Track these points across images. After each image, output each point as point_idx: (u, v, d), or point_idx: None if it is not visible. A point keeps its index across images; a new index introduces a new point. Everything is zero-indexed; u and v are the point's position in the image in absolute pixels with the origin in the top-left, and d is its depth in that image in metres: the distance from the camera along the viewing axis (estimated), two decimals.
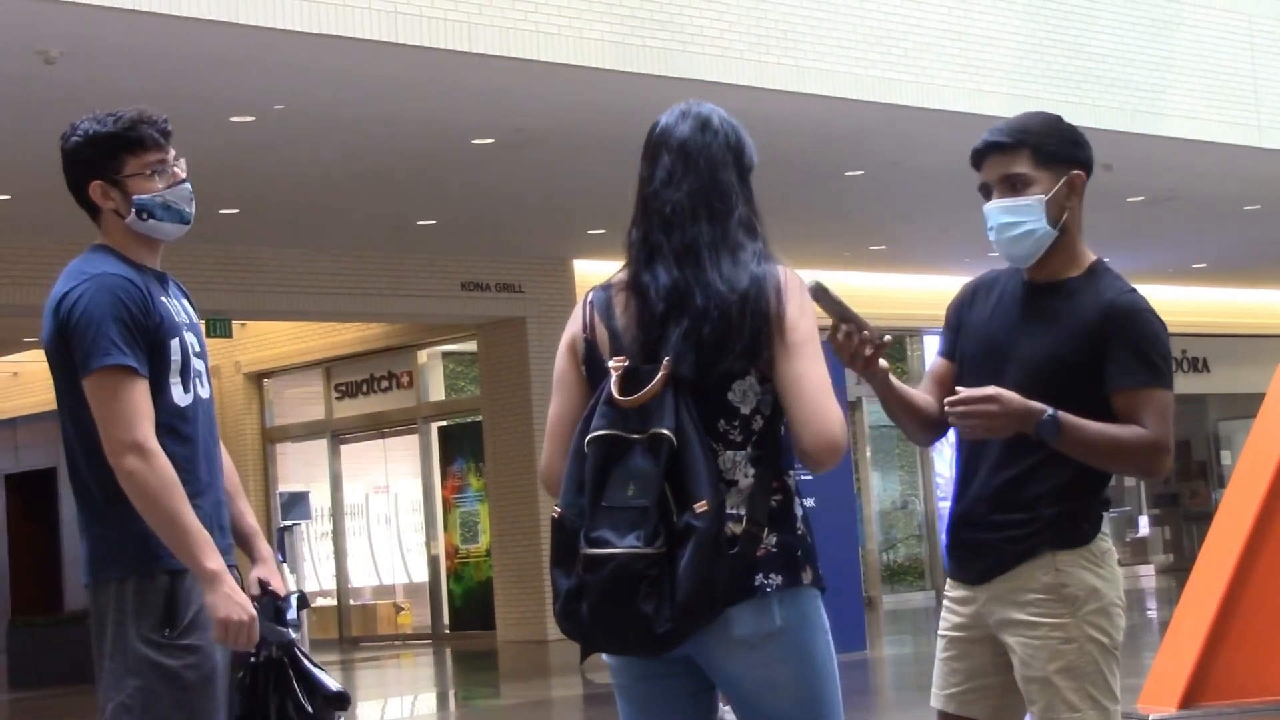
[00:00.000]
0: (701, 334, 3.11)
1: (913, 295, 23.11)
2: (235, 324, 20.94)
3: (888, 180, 16.91)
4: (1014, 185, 4.11)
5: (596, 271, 19.95)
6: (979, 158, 4.17)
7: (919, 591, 23.33)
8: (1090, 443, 3.92)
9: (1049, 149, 4.19)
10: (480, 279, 19.17)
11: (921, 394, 4.24)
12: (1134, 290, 4.11)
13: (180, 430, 3.90)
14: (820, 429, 3.09)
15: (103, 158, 3.95)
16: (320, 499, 23.22)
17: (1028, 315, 4.16)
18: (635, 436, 3.03)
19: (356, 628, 23.01)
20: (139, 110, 4.01)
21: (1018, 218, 4.10)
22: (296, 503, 23.03)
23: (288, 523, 22.68)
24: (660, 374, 3.05)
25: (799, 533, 3.17)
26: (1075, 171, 4.19)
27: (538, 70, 12.03)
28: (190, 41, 10.77)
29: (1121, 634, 4.07)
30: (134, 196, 3.95)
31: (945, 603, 4.28)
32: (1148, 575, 25.35)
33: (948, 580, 4.28)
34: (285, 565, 22.48)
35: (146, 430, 3.78)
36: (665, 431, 3.00)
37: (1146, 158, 16.89)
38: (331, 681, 4.08)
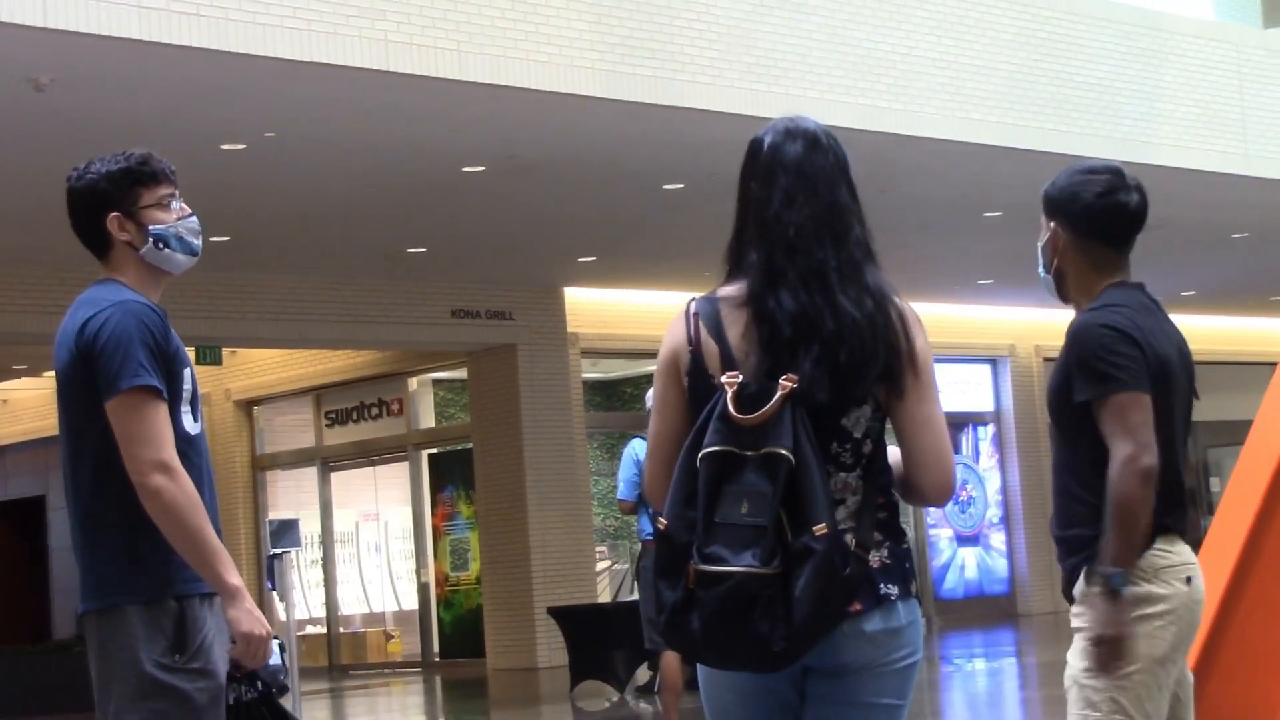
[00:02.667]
0: (837, 359, 3.12)
1: None
2: (225, 351, 20.94)
3: (878, 206, 16.84)
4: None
5: (587, 299, 20.04)
6: None
7: None
8: (1120, 537, 4.10)
9: (1050, 204, 4.57)
10: (471, 306, 19.17)
11: None
12: (1101, 308, 4.36)
13: (191, 458, 3.97)
14: (941, 475, 3.21)
15: (119, 191, 4.06)
16: (310, 526, 23.16)
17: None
18: (749, 454, 3.02)
19: (346, 656, 22.95)
20: (146, 150, 4.14)
21: (1038, 261, 4.61)
22: (286, 530, 22.93)
23: (277, 550, 22.63)
24: (780, 393, 3.05)
25: (905, 546, 3.26)
26: (1053, 225, 4.54)
27: (528, 98, 12.04)
28: (181, 69, 10.77)
29: (1163, 649, 4.19)
30: (149, 227, 4.06)
31: None
32: None
33: None
34: (275, 593, 22.48)
35: (171, 450, 3.87)
36: (784, 451, 3.01)
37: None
38: None
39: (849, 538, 3.13)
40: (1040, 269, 4.60)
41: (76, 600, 4.06)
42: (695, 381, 3.18)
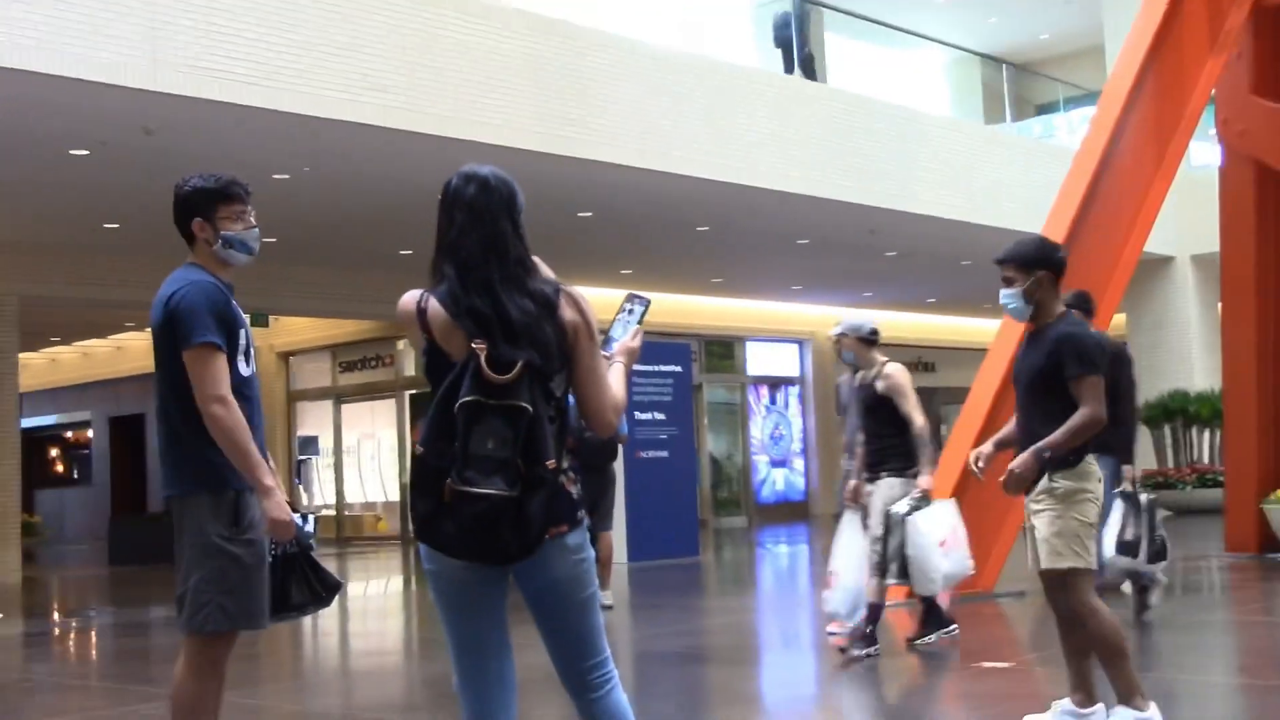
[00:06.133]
0: (521, 343, 2.90)
1: (739, 313, 23.29)
2: (271, 318, 20.85)
3: (725, 234, 17.02)
4: (1008, 282, 4.88)
5: None
6: (998, 263, 4.94)
7: (737, 517, 23.49)
8: (1066, 442, 4.63)
9: (1032, 261, 4.86)
10: None
11: (1011, 425, 5.05)
12: (1078, 325, 4.89)
13: (244, 392, 3.93)
14: (603, 413, 3.01)
15: (205, 203, 4.02)
16: (326, 442, 23.06)
17: (1027, 348, 4.94)
18: (493, 404, 2.81)
19: (349, 530, 22.84)
20: (232, 175, 4.11)
21: (1007, 301, 4.88)
22: (310, 444, 22.89)
23: (304, 457, 22.52)
24: (521, 364, 2.84)
25: (580, 485, 3.03)
26: (1041, 272, 4.84)
27: (487, 149, 12.01)
28: (253, 122, 10.67)
29: (1090, 516, 4.74)
30: (223, 232, 4.02)
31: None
32: None
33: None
34: (301, 485, 22.35)
35: (227, 388, 3.82)
36: (524, 404, 2.81)
37: (899, 227, 17.14)
38: (331, 575, 4.19)
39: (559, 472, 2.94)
40: (1017, 303, 4.86)
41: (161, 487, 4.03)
42: (430, 350, 2.97)
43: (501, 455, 2.78)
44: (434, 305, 2.97)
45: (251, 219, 4.10)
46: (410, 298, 3.01)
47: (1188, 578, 10.62)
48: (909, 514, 7.08)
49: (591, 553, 3.02)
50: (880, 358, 7.41)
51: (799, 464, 25.00)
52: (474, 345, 2.87)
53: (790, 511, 24.31)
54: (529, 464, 2.80)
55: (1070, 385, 4.67)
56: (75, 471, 30.73)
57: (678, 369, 15.36)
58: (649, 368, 14.91)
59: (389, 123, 11.24)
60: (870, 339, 7.43)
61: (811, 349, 24.92)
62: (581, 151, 12.67)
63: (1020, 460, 4.67)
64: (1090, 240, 10.29)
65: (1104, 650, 4.68)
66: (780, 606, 11.22)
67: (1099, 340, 4.86)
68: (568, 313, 2.97)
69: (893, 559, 7.16)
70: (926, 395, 27.44)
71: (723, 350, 23.90)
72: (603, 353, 3.11)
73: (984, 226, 17.35)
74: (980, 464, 4.99)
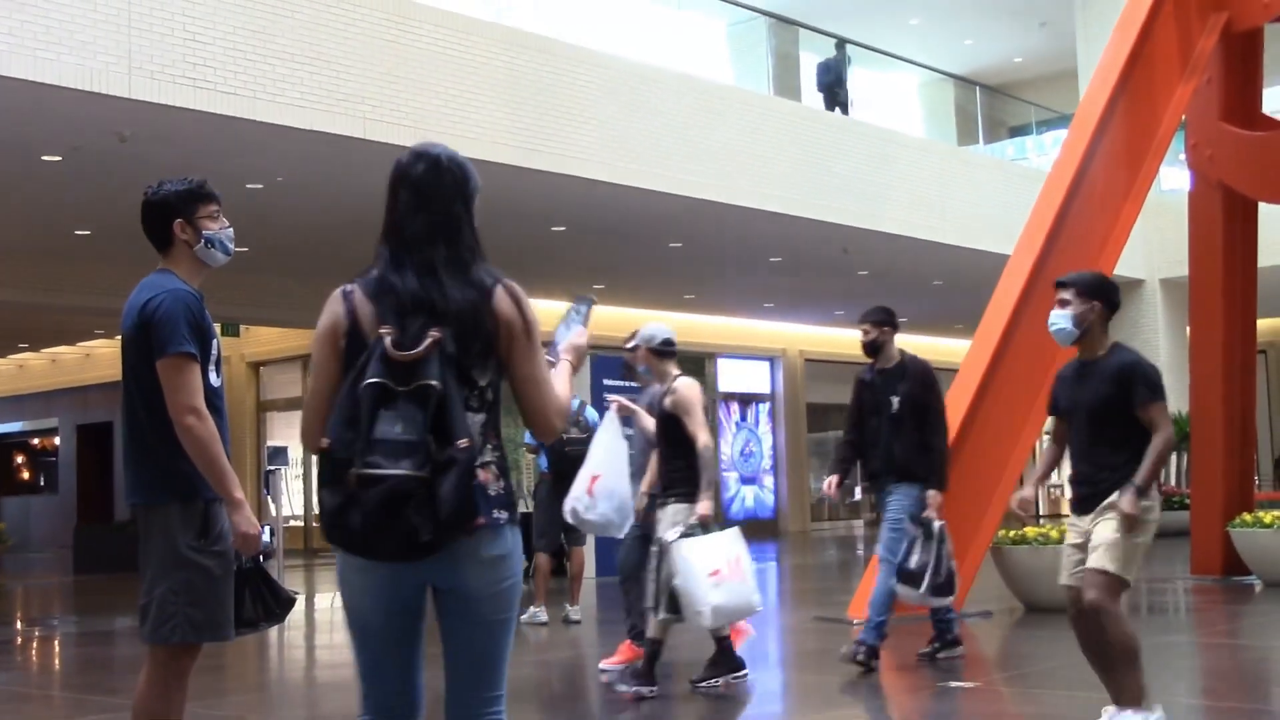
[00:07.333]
0: (445, 327, 2.75)
1: (711, 329, 23.32)
2: (242, 327, 20.74)
3: (697, 250, 17.05)
4: (1063, 304, 5.19)
5: None
6: (1059, 285, 5.25)
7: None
8: (1156, 469, 5.02)
9: (1090, 290, 5.18)
10: None
11: (1051, 457, 5.42)
12: (1137, 353, 5.22)
13: (213, 402, 3.89)
14: (544, 420, 2.86)
15: (184, 204, 4.00)
16: (295, 452, 22.91)
17: (1080, 379, 5.21)
18: (402, 389, 2.63)
19: (317, 541, 22.68)
20: (203, 177, 4.10)
21: (1057, 321, 5.18)
22: (279, 454, 22.66)
23: (272, 467, 22.36)
24: (429, 340, 2.68)
25: (510, 483, 2.86)
26: (1098, 303, 5.17)
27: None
28: (225, 129, 10.64)
29: (1150, 535, 5.06)
30: (204, 232, 4.01)
31: (1069, 525, 5.28)
32: (859, 525, 25.75)
33: (1071, 514, 5.25)
34: (269, 496, 22.19)
35: (201, 399, 3.79)
36: (434, 383, 2.63)
37: (871, 246, 17.21)
38: (285, 591, 4.15)
39: (479, 463, 2.73)
40: (1067, 325, 5.16)
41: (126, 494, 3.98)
42: (351, 341, 2.79)
43: (410, 438, 2.59)
44: (359, 293, 2.85)
45: (225, 220, 4.09)
46: (336, 291, 2.89)
47: (1153, 599, 10.68)
48: (677, 541, 6.44)
49: (517, 575, 2.82)
50: (674, 371, 6.93)
51: (769, 481, 25.02)
52: (381, 330, 2.73)
53: (759, 529, 24.30)
54: (440, 445, 2.61)
55: (1139, 411, 5.02)
56: (41, 479, 30.50)
57: None
58: (620, 383, 14.91)
59: (363, 134, 11.21)
60: (664, 350, 6.96)
61: (782, 366, 24.96)
62: (555, 166, 12.68)
63: (1128, 501, 4.95)
64: (1061, 262, 10.36)
65: (1119, 653, 5.01)
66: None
67: (1156, 368, 5.21)
68: (503, 306, 2.82)
69: (663, 590, 6.59)
70: None
71: (693, 366, 23.92)
72: (548, 357, 3.00)
73: (955, 247, 17.45)
74: (1031, 510, 5.41)
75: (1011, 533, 10.00)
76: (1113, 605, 4.99)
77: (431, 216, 2.86)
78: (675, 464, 6.75)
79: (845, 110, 18.29)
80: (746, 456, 24.65)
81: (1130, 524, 4.94)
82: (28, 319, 19.50)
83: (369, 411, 2.62)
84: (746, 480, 24.62)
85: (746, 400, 24.71)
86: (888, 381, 7.47)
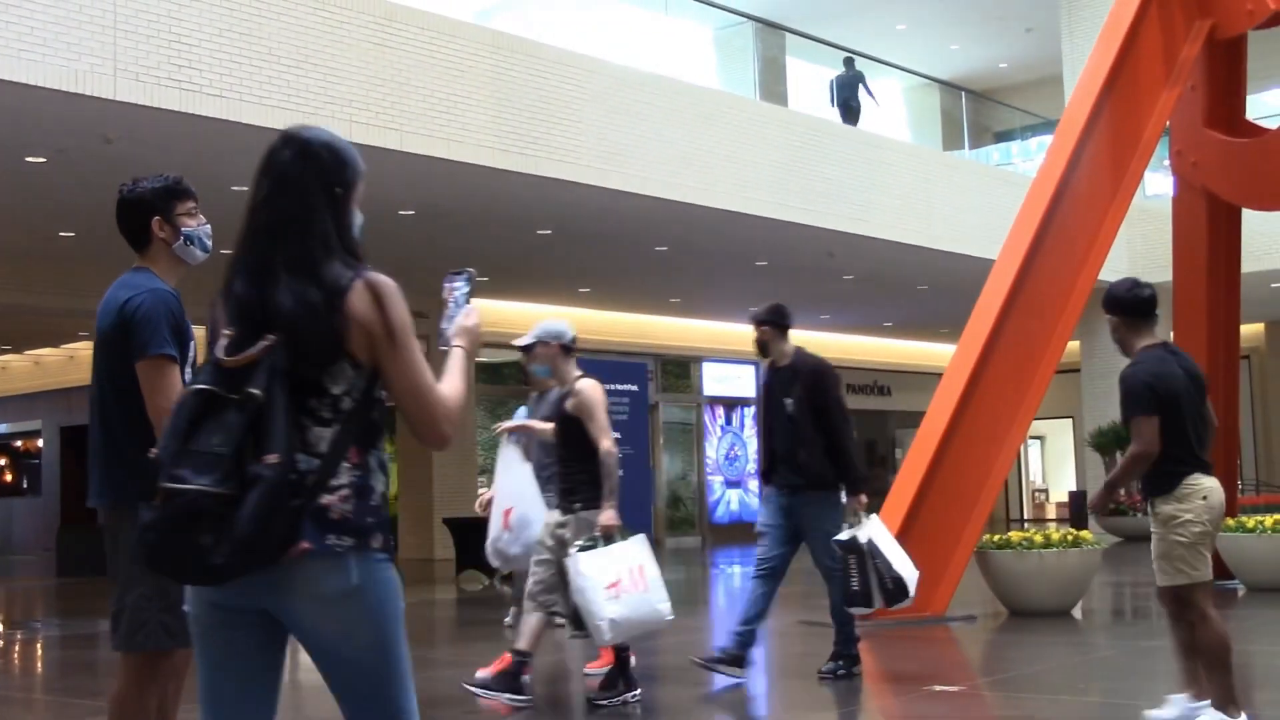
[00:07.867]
0: (288, 334, 2.50)
1: (696, 333, 23.33)
2: None
3: (683, 254, 17.06)
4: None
5: (481, 304, 19.90)
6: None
7: (690, 536, 23.48)
8: (1124, 478, 5.44)
9: (1104, 305, 5.44)
10: None
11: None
12: (1137, 363, 5.30)
13: None
14: (427, 431, 2.61)
15: (162, 201, 3.96)
16: None
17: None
18: (234, 397, 2.41)
19: None
20: (179, 174, 4.07)
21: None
22: None
23: None
24: (260, 345, 2.46)
25: (373, 504, 2.53)
26: (1113, 317, 5.41)
27: (447, 165, 12.01)
28: (203, 130, 10.61)
29: (1192, 535, 5.18)
30: (182, 229, 3.97)
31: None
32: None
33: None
34: None
35: None
36: (256, 391, 2.40)
37: (857, 250, 17.24)
38: None
39: (311, 479, 2.44)
40: (1117, 344, 5.48)
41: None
42: (212, 347, 2.59)
43: (222, 451, 2.37)
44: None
45: (202, 216, 4.05)
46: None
47: (1137, 604, 10.71)
48: (573, 556, 6.13)
49: (378, 610, 2.50)
50: (576, 372, 6.57)
51: (754, 485, 25.03)
52: (223, 333, 2.53)
53: (744, 532, 24.29)
54: (254, 458, 2.37)
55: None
56: (24, 481, 30.37)
57: (634, 388, 15.40)
58: (606, 386, 14.92)
59: (350, 137, 11.16)
60: (572, 348, 6.60)
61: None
62: (542, 169, 12.67)
63: (1093, 494, 5.40)
64: (1045, 268, 10.39)
65: (1209, 657, 5.24)
66: (731, 627, 11.20)
67: (1148, 381, 5.22)
68: (358, 306, 2.55)
69: (571, 606, 6.27)
70: (881, 419, 27.69)
71: (679, 370, 23.94)
72: (440, 346, 2.81)
73: (941, 251, 17.49)
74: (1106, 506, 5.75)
75: (996, 537, 10.03)
76: (1195, 611, 5.25)
77: (281, 210, 2.60)
78: (575, 469, 6.39)
79: (856, 121, 18.78)
80: (731, 460, 24.67)
81: (1091, 509, 5.64)
82: (10, 320, 19.42)
83: (190, 419, 2.42)
84: (731, 484, 24.62)
85: (732, 404, 24.73)
86: (781, 382, 7.14)
